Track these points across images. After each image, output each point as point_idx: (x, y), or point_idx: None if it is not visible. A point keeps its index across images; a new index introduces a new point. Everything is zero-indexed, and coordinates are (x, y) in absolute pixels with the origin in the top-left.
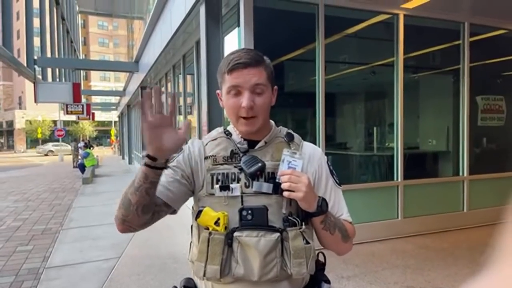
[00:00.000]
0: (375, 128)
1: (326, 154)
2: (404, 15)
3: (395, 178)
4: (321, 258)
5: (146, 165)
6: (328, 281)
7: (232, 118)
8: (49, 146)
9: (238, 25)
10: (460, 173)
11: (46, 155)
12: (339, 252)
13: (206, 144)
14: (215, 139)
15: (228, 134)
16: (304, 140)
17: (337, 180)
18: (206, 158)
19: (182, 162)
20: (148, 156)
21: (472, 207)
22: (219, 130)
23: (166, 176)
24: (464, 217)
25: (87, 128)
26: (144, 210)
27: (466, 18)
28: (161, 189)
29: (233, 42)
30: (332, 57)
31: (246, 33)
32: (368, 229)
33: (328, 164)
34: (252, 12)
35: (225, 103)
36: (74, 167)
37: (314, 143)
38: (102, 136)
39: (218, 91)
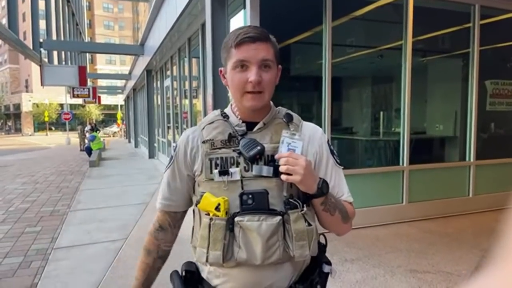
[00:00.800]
0: (381, 113)
1: (332, 138)
2: None
3: (400, 163)
4: (322, 240)
5: None
6: (329, 263)
7: (237, 94)
8: (114, 128)
9: (244, 7)
10: (467, 158)
11: (113, 135)
12: (338, 233)
13: (203, 128)
14: (212, 122)
15: (225, 116)
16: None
17: (338, 160)
18: (203, 142)
19: (177, 162)
20: None
21: (478, 192)
22: (215, 113)
23: (168, 187)
24: (469, 202)
25: (94, 111)
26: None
27: (477, 0)
28: (169, 203)
29: (239, 24)
30: (339, 40)
31: (252, 16)
32: (373, 213)
33: (328, 143)
34: None
35: (231, 78)
36: (81, 150)
37: (320, 127)
38: (108, 120)
39: (221, 69)
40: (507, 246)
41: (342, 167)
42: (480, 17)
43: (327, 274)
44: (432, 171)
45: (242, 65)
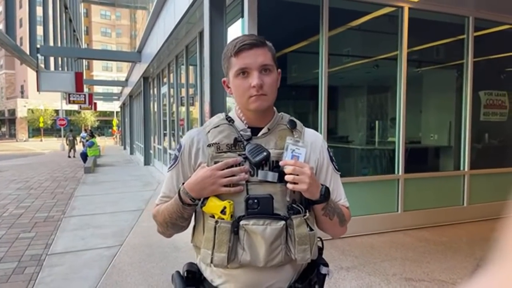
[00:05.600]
0: (377, 122)
1: (328, 147)
2: (409, 8)
3: (396, 172)
4: (318, 243)
5: (184, 203)
6: (326, 264)
7: (242, 99)
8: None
9: (242, 16)
10: (461, 168)
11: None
12: (334, 235)
13: (208, 132)
14: (217, 126)
15: (230, 120)
16: None
17: (336, 166)
18: (209, 145)
19: (182, 163)
20: (192, 198)
21: (472, 201)
22: (220, 116)
23: (170, 186)
24: (464, 211)
25: (89, 118)
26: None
27: (471, 12)
28: (169, 200)
29: (237, 32)
30: (335, 50)
31: (250, 24)
32: (368, 222)
33: (328, 150)
34: (256, 3)
35: (234, 86)
36: (68, 156)
37: None
38: (103, 126)
39: (224, 79)
40: (504, 248)
41: (340, 173)
42: (474, 29)
43: (325, 275)
44: (427, 180)
45: (243, 72)
